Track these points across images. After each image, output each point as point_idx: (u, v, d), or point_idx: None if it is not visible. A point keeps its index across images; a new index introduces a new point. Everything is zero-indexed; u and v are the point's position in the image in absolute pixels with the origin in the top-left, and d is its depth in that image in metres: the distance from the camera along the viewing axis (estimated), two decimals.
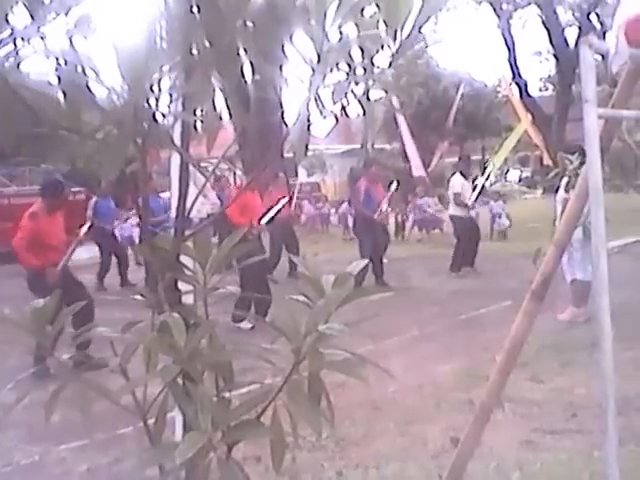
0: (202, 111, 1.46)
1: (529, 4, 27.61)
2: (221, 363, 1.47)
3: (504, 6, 27.72)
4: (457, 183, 9.95)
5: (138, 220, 1.57)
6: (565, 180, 6.63)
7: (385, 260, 9.89)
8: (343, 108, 1.52)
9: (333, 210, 18.59)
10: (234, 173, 12.18)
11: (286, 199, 9.79)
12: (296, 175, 18.41)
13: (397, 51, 1.48)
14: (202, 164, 1.59)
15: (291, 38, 1.41)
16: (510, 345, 2.17)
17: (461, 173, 10.12)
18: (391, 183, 10.68)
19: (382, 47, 1.48)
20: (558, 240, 2.15)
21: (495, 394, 2.26)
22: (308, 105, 1.44)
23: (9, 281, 10.92)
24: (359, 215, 9.65)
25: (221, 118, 1.54)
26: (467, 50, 70.22)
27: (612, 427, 1.81)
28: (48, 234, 5.71)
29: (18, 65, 1.32)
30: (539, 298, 2.14)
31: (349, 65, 1.48)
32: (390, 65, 1.49)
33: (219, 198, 11.36)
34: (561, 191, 6.78)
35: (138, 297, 1.52)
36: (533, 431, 3.82)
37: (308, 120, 1.46)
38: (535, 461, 3.43)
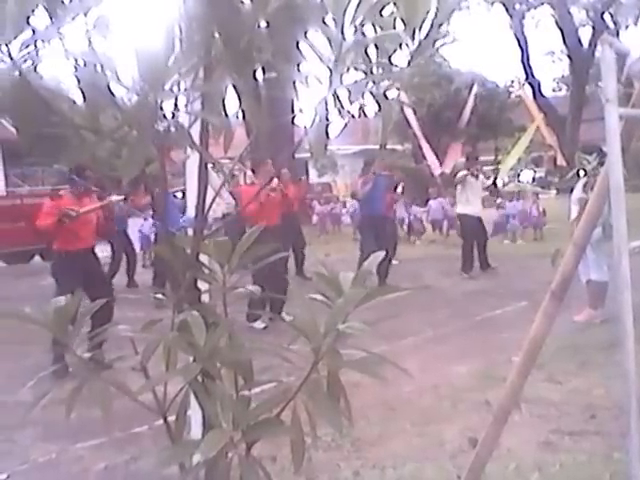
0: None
1: (542, 4, 27.42)
2: (241, 362, 1.47)
3: (517, 6, 27.54)
4: (461, 175, 10.11)
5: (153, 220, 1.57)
6: (583, 181, 6.57)
7: (395, 262, 9.86)
8: (361, 108, 1.52)
9: (344, 210, 18.56)
10: (244, 173, 12.19)
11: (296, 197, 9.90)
12: (307, 175, 18.32)
13: (416, 50, 1.47)
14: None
15: (306, 35, 1.40)
16: (529, 346, 2.16)
17: (468, 169, 10.19)
18: (396, 186, 10.66)
19: (400, 46, 1.48)
20: (578, 239, 2.14)
21: (513, 395, 2.24)
22: (326, 105, 1.44)
23: (18, 281, 11.05)
24: (361, 212, 9.73)
25: (237, 117, 1.54)
26: (480, 50, 69.93)
27: (634, 428, 1.79)
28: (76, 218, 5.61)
29: (35, 67, 1.33)
30: (559, 298, 2.13)
31: (367, 64, 1.47)
32: (409, 64, 1.49)
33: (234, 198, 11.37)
34: (577, 191, 6.72)
35: (159, 296, 1.52)
36: (552, 432, 3.79)
37: (327, 119, 1.46)
38: (554, 462, 3.41)
